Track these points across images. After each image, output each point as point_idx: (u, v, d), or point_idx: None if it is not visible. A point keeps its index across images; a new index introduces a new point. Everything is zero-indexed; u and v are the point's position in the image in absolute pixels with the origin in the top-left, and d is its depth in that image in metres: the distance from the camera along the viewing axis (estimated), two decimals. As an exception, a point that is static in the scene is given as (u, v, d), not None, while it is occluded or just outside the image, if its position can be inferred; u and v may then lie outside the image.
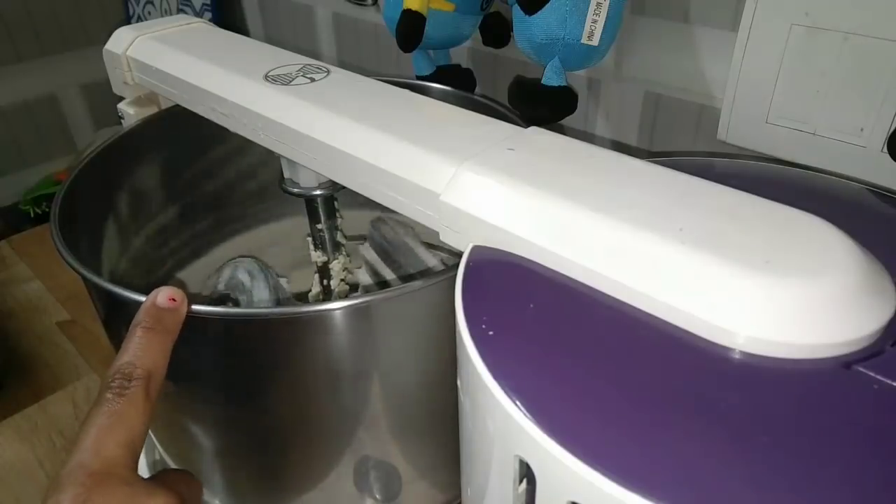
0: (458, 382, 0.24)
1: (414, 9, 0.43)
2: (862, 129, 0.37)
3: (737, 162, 0.32)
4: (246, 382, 0.34)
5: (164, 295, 0.29)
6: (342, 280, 0.47)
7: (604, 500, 0.17)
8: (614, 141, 0.52)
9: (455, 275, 0.24)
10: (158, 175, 0.50)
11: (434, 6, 0.44)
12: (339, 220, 0.45)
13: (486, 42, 0.52)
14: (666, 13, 0.44)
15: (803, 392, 0.19)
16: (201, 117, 0.40)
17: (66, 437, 0.52)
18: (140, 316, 0.28)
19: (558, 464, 0.17)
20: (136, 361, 0.27)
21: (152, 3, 0.94)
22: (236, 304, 0.49)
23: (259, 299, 0.49)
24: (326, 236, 0.45)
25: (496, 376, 0.20)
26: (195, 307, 0.30)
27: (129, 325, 0.28)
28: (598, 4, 0.37)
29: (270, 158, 0.40)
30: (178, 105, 0.43)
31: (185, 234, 0.54)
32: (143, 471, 0.45)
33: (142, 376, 0.26)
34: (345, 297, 0.47)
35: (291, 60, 0.39)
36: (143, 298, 0.29)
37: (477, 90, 0.55)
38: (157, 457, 0.46)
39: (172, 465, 0.42)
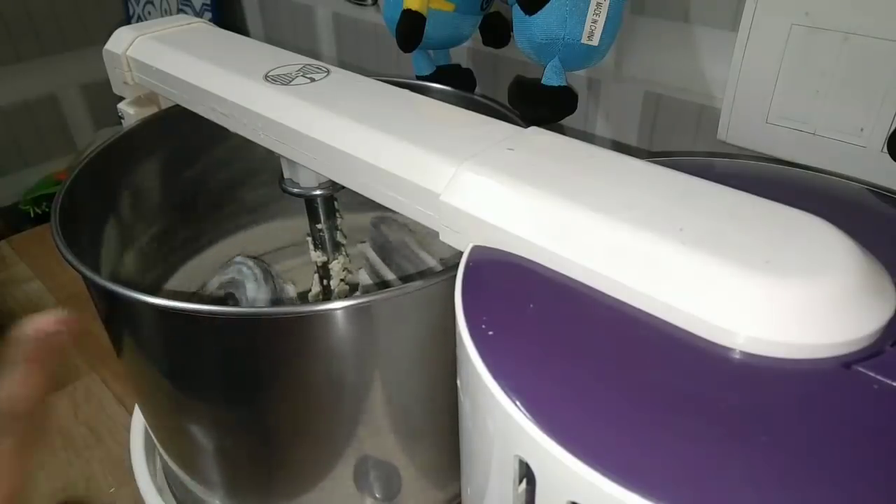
0: (458, 382, 0.24)
1: (414, 9, 0.43)
2: (862, 129, 0.37)
3: (737, 162, 0.32)
4: (246, 382, 0.34)
5: (37, 326, 0.28)
6: (342, 280, 0.47)
7: (604, 500, 0.17)
8: (614, 141, 0.52)
9: (455, 275, 0.24)
10: (158, 175, 0.50)
11: (434, 6, 0.44)
12: (339, 220, 0.45)
13: (486, 42, 0.52)
14: (666, 13, 0.44)
15: (803, 392, 0.19)
16: (201, 117, 0.40)
17: (67, 437, 0.52)
18: (17, 350, 0.27)
19: (558, 464, 0.17)
20: (8, 403, 0.26)
21: (152, 3, 0.94)
22: (236, 303, 0.49)
23: (259, 299, 0.49)
24: (326, 236, 0.45)
25: (496, 376, 0.20)
26: (197, 307, 0.29)
27: (129, 325, 0.28)
28: (598, 4, 0.37)
29: (270, 158, 0.40)
30: (178, 105, 0.43)
31: (184, 234, 0.54)
32: (145, 475, 0.45)
33: (15, 419, 0.25)
34: (345, 297, 0.47)
35: (291, 60, 0.39)
36: (143, 298, 0.29)
37: (477, 90, 0.55)
38: (159, 460, 0.46)
39: (173, 466, 0.42)
